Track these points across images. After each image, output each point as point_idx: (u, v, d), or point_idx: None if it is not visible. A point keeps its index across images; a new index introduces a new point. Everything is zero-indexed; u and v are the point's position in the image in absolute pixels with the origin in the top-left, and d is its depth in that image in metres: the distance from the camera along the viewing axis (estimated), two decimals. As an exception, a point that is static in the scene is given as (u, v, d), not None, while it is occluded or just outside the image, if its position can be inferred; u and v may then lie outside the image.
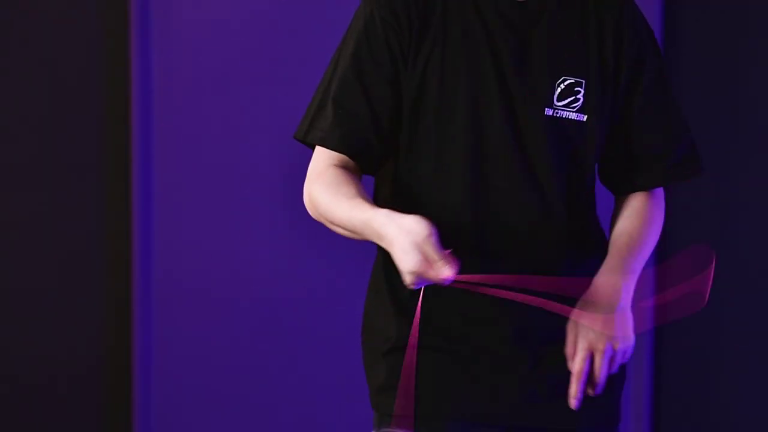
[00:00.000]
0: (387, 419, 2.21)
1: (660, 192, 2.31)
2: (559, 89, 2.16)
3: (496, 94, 2.14)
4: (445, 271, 1.94)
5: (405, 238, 1.95)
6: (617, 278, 2.17)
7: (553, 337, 2.19)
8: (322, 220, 2.16)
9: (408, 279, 1.96)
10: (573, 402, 2.16)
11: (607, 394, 2.22)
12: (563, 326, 2.18)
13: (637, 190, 2.29)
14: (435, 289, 2.15)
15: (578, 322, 2.15)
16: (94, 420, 3.85)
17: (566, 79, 2.17)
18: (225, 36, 3.73)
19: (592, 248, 2.24)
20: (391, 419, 2.20)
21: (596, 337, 2.15)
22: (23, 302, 3.86)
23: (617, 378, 2.24)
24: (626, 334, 2.17)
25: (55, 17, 3.79)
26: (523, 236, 2.16)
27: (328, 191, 2.12)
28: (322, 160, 2.18)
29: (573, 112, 2.17)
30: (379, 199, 2.26)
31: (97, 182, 3.81)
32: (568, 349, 2.17)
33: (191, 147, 3.76)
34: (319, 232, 3.76)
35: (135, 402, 3.80)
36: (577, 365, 2.15)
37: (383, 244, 2.01)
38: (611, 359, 2.16)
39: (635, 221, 2.26)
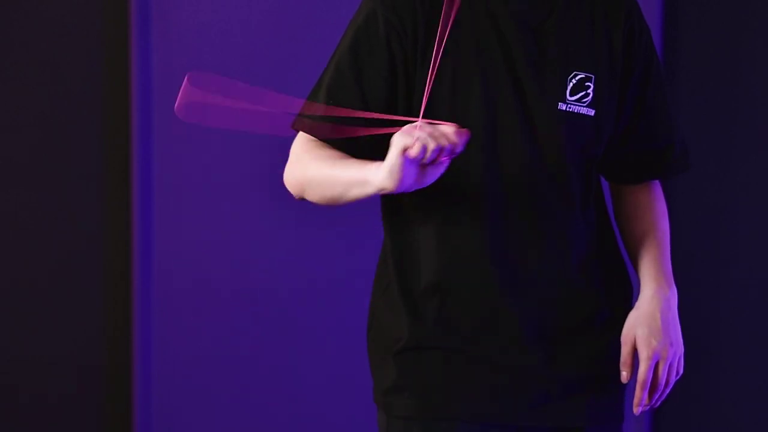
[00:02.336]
0: (397, 421, 2.20)
1: (659, 184, 2.34)
2: (571, 84, 2.17)
3: (510, 90, 2.14)
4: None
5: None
6: (664, 286, 2.20)
7: (564, 336, 2.20)
8: (305, 190, 2.14)
9: (413, 148, 1.91)
10: (637, 410, 2.17)
11: (614, 391, 2.23)
12: (575, 326, 2.20)
13: (645, 180, 2.31)
14: (448, 291, 2.15)
15: (636, 333, 2.16)
16: (95, 420, 3.85)
17: (577, 74, 2.17)
18: (225, 36, 3.73)
19: (605, 240, 2.25)
20: (401, 421, 2.19)
21: (660, 345, 2.16)
22: (23, 302, 3.85)
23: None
24: (678, 341, 2.19)
25: (55, 18, 3.78)
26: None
27: (318, 160, 2.11)
28: (303, 144, 2.17)
29: (583, 107, 2.17)
30: (387, 199, 2.24)
31: (97, 182, 3.80)
32: (624, 359, 2.17)
33: (191, 147, 3.76)
34: (320, 231, 3.76)
35: (135, 402, 3.80)
36: (642, 374, 2.15)
37: (379, 175, 1.96)
38: (670, 367, 2.17)
39: (654, 221, 2.29)
